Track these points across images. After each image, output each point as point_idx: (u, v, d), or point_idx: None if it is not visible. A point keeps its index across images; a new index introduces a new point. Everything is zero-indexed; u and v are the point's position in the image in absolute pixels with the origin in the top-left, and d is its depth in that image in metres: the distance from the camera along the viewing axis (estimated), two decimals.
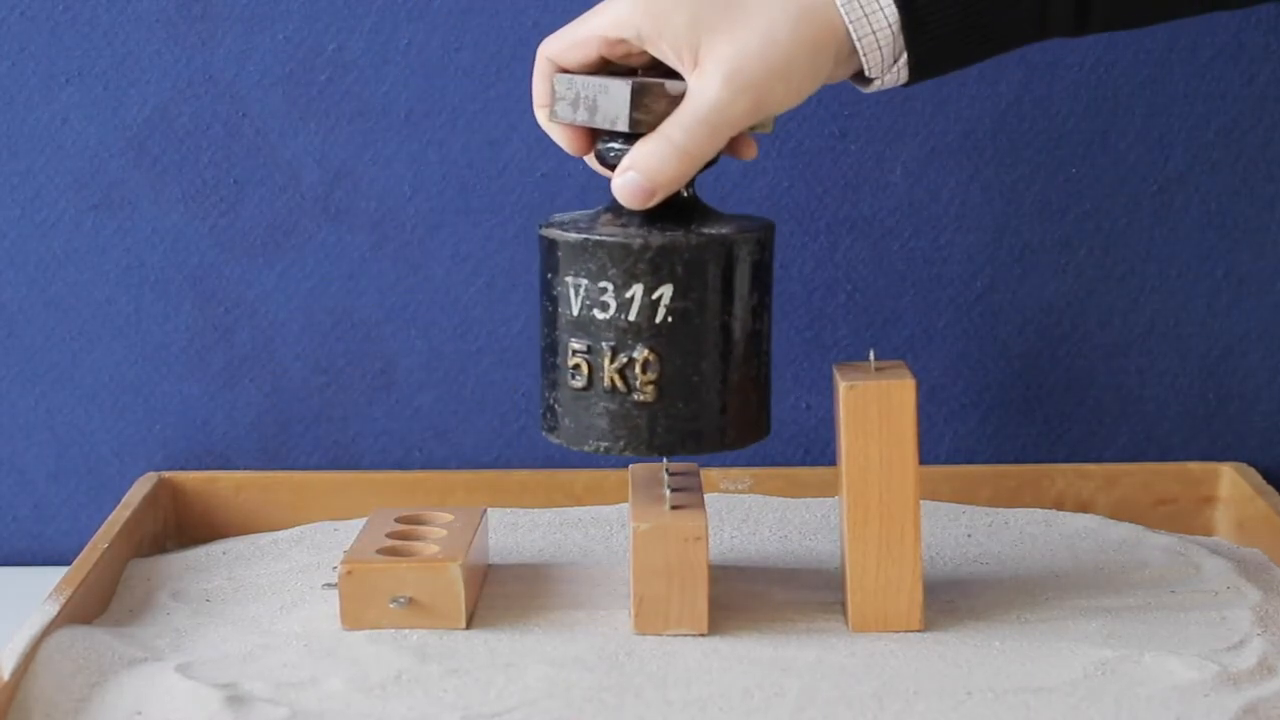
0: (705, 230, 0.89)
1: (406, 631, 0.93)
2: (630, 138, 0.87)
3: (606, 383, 0.89)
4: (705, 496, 0.97)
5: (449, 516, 1.00)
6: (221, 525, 1.13)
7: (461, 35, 1.12)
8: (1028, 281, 1.14)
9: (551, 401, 0.92)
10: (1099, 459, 1.16)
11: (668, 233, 0.88)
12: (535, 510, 1.12)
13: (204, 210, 1.13)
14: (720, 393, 0.90)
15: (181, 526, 1.13)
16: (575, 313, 0.89)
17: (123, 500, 1.09)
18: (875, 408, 0.91)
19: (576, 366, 0.90)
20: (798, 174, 1.13)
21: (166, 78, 1.12)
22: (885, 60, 0.86)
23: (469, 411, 1.16)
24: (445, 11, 1.11)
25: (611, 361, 0.89)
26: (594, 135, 0.90)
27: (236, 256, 1.14)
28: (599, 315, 0.89)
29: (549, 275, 0.91)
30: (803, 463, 1.16)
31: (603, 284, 0.89)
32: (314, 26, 1.11)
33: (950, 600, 0.97)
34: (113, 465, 1.15)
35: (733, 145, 0.90)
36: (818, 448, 1.16)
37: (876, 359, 0.94)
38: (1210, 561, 1.03)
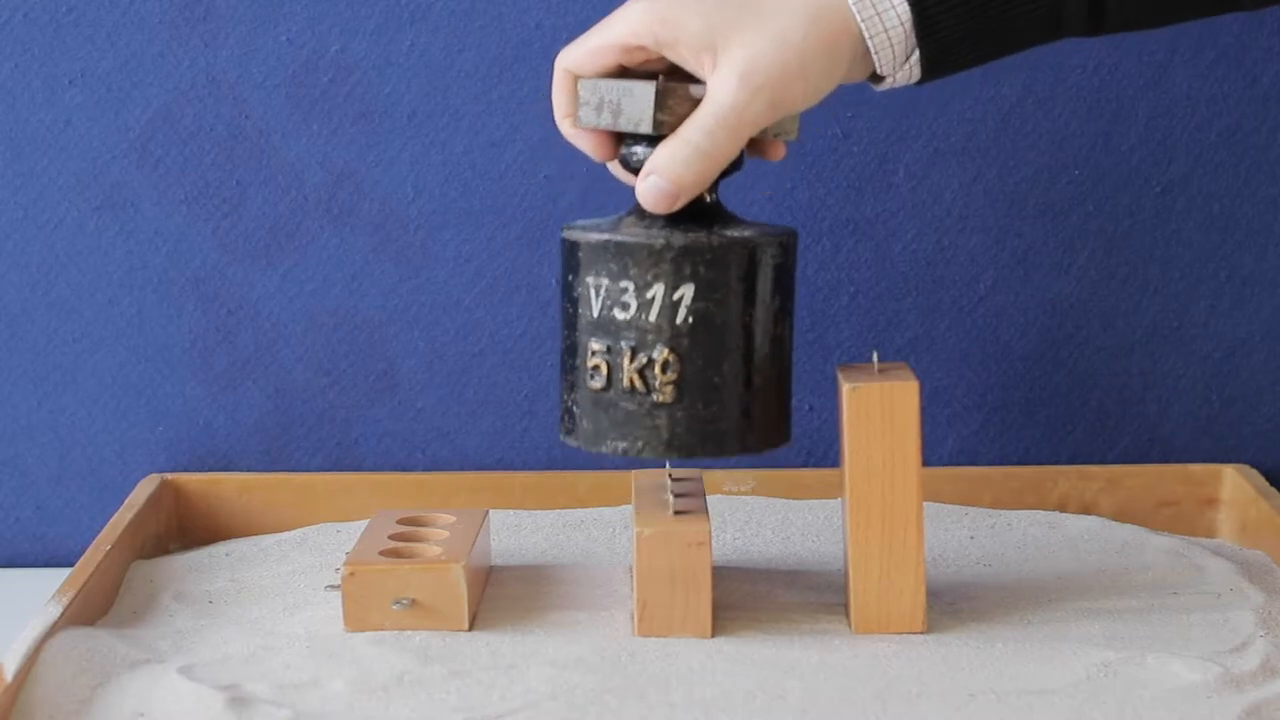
0: (728, 232, 0.89)
1: (409, 633, 0.92)
2: (653, 140, 0.87)
3: (625, 383, 0.89)
4: (708, 498, 0.97)
5: (451, 518, 1.00)
6: (224, 527, 1.13)
7: (464, 37, 1.12)
8: (1030, 283, 1.14)
9: (570, 404, 0.91)
10: (1102, 461, 1.16)
11: (690, 234, 0.88)
12: (538, 512, 1.12)
13: (207, 212, 1.13)
14: (741, 395, 0.90)
15: (184, 528, 1.13)
16: (595, 313, 0.89)
17: (125, 502, 1.09)
18: (878, 409, 0.91)
19: (596, 367, 0.89)
20: (800, 175, 1.13)
21: (169, 79, 1.12)
22: (897, 58, 0.86)
23: (471, 413, 1.16)
24: (448, 14, 1.11)
25: (631, 361, 0.89)
26: (618, 141, 0.90)
27: (239, 258, 1.14)
28: (619, 315, 0.89)
29: (570, 277, 0.90)
30: (805, 464, 1.16)
31: (623, 284, 0.88)
32: (317, 28, 1.11)
33: (953, 602, 0.97)
34: (116, 467, 1.15)
35: (760, 147, 0.91)
36: (820, 449, 1.16)
37: (879, 360, 0.94)
38: (1213, 563, 1.03)
